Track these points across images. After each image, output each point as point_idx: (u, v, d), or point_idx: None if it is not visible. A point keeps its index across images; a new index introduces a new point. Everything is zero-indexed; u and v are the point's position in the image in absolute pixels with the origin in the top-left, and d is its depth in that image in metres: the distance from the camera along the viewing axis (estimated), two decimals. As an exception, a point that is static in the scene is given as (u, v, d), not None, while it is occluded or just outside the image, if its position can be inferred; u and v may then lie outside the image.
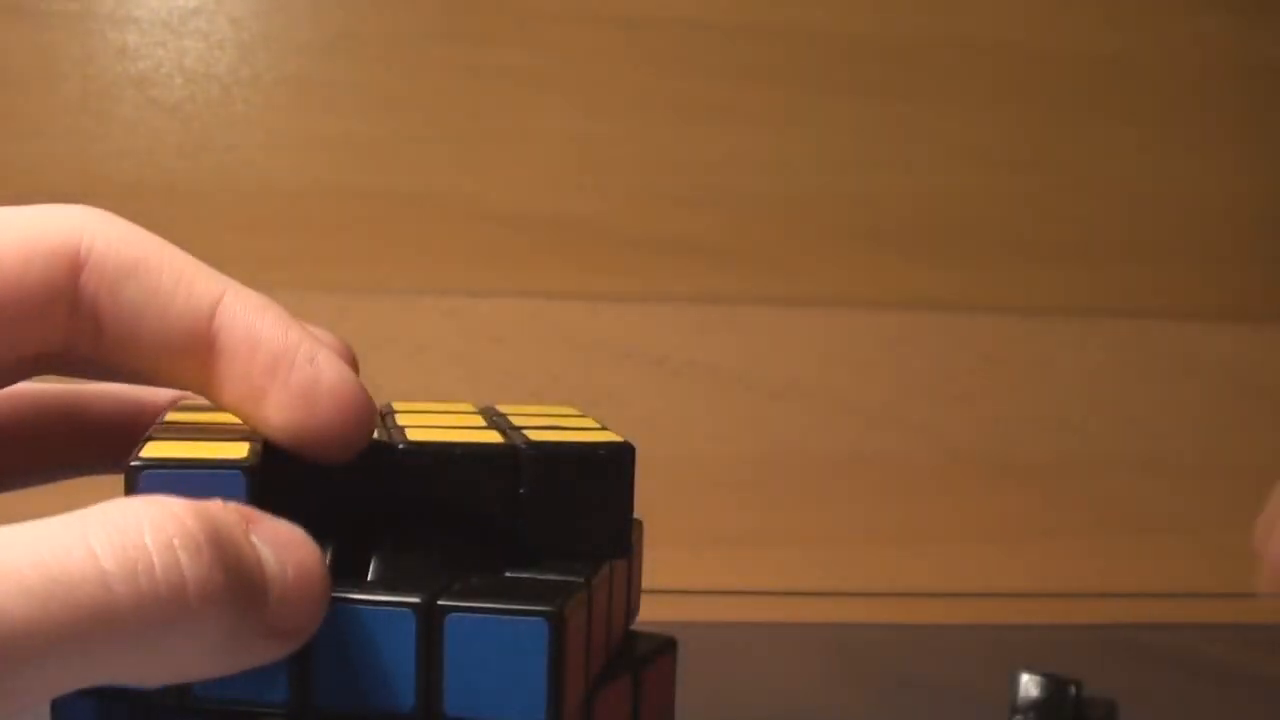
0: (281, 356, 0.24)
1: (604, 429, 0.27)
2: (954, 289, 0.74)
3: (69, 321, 0.24)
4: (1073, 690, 0.44)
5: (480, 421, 0.28)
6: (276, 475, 0.23)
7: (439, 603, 0.22)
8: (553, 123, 0.71)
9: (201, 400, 0.26)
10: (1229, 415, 0.76)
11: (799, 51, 0.72)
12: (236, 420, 0.26)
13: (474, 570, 0.24)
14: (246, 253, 0.67)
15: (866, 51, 0.73)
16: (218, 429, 0.25)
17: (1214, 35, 0.75)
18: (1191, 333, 0.75)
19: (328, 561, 0.24)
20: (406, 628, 0.22)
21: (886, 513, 0.73)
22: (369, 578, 0.24)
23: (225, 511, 0.21)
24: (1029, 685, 0.44)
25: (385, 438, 0.25)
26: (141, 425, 0.30)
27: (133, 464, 0.22)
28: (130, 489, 0.22)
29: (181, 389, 0.26)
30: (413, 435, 0.25)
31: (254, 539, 0.21)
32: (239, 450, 0.23)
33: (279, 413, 0.24)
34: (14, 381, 0.26)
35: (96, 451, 0.31)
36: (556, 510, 0.25)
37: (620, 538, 0.26)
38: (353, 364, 0.26)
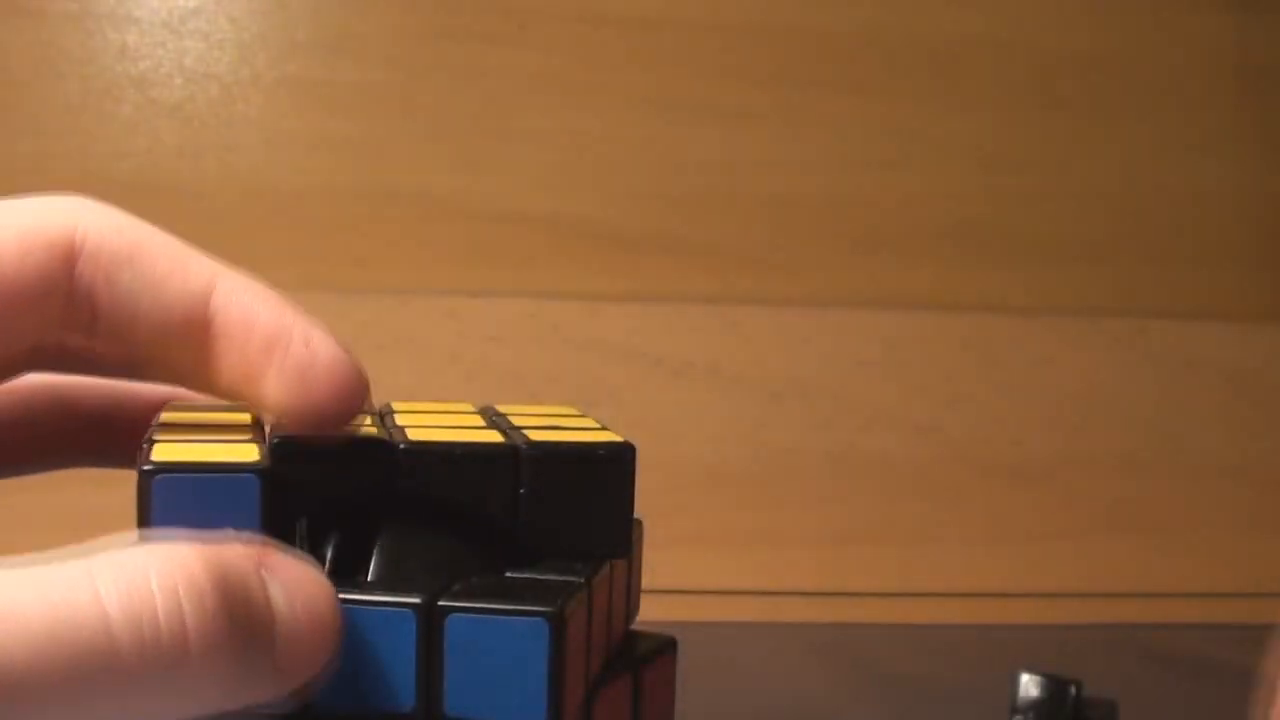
0: (277, 337, 0.24)
1: (604, 429, 0.27)
2: (954, 289, 0.74)
3: (65, 312, 0.24)
4: (1073, 690, 0.44)
5: (480, 421, 0.28)
6: (279, 475, 0.23)
7: (439, 603, 0.22)
8: (553, 123, 0.71)
9: (190, 395, 0.26)
10: (1229, 415, 0.76)
11: (799, 51, 0.72)
12: (234, 418, 0.26)
13: (474, 570, 0.24)
14: (246, 253, 0.66)
15: (866, 52, 0.73)
16: (219, 427, 0.25)
17: (1213, 35, 0.75)
18: (1191, 333, 0.75)
19: (328, 560, 0.24)
20: (407, 628, 0.22)
21: (886, 513, 0.73)
22: (369, 578, 0.24)
23: (237, 552, 0.21)
24: (1029, 685, 0.44)
25: (385, 438, 0.25)
26: (125, 418, 0.30)
27: (145, 468, 0.22)
28: (144, 493, 0.22)
29: (177, 375, 0.26)
30: (413, 435, 0.25)
31: (265, 578, 0.21)
32: (249, 452, 0.23)
33: (277, 392, 0.24)
34: (10, 376, 0.26)
35: (81, 443, 0.31)
36: (556, 510, 0.25)
37: (620, 538, 0.26)
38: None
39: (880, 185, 0.73)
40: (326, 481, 0.24)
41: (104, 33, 0.67)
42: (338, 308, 0.68)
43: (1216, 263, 0.76)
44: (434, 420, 0.27)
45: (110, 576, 0.19)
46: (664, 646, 0.28)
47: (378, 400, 0.29)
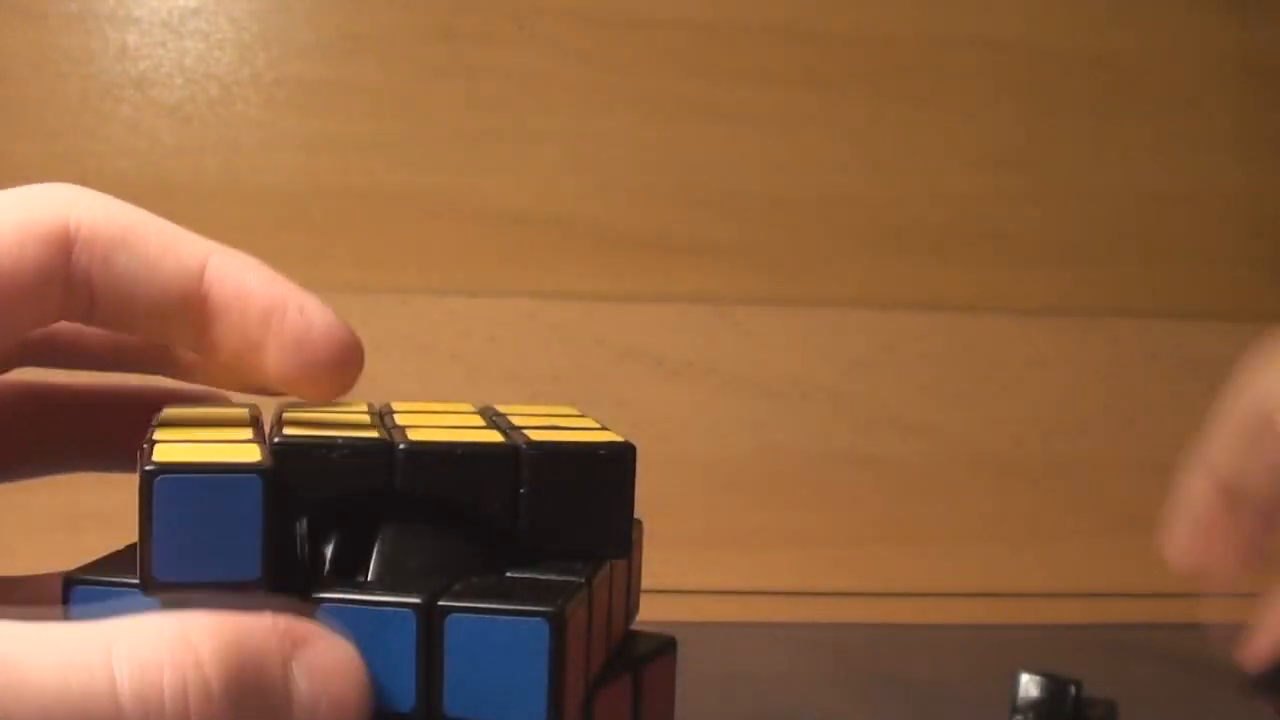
0: (272, 308, 0.25)
1: (604, 429, 0.27)
2: (954, 289, 0.74)
3: (63, 299, 0.25)
4: (1073, 690, 0.44)
5: (480, 421, 0.28)
6: (280, 475, 0.23)
7: (439, 603, 0.22)
8: (553, 123, 0.71)
9: (173, 390, 0.26)
10: (1229, 415, 0.75)
11: (799, 51, 0.72)
12: (234, 418, 0.26)
13: (474, 570, 0.24)
14: (246, 253, 0.67)
15: (867, 52, 0.73)
16: (219, 427, 0.25)
17: (1214, 35, 0.75)
18: (1191, 333, 0.75)
19: (328, 560, 0.24)
20: (407, 628, 0.22)
21: (886, 513, 0.73)
22: (369, 578, 0.24)
23: (264, 629, 0.21)
24: (1029, 685, 0.44)
25: (385, 437, 0.25)
26: (104, 420, 0.30)
27: (147, 469, 0.22)
28: (145, 494, 0.22)
29: (172, 360, 0.26)
30: (413, 435, 0.25)
31: (293, 659, 0.21)
32: (250, 452, 0.23)
33: (276, 361, 0.25)
34: (8, 369, 0.26)
35: (61, 448, 0.31)
36: (556, 510, 0.25)
37: (620, 538, 0.26)
38: None
39: (880, 185, 0.73)
40: (327, 481, 0.24)
41: (104, 33, 0.67)
42: (338, 308, 0.68)
43: (1216, 263, 0.76)
44: (434, 420, 0.27)
45: (127, 657, 0.19)
46: (664, 646, 0.28)
47: (378, 400, 0.29)
